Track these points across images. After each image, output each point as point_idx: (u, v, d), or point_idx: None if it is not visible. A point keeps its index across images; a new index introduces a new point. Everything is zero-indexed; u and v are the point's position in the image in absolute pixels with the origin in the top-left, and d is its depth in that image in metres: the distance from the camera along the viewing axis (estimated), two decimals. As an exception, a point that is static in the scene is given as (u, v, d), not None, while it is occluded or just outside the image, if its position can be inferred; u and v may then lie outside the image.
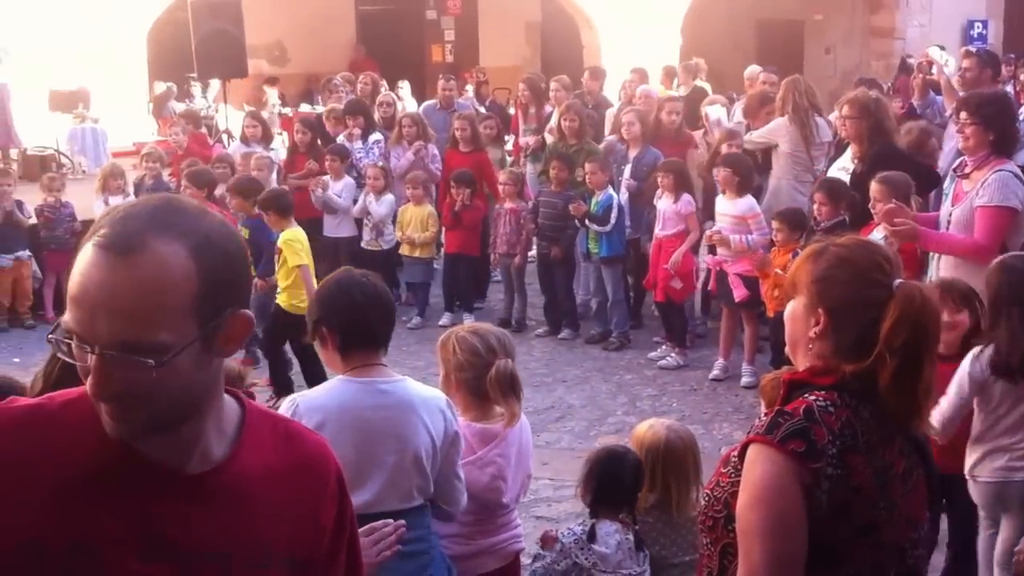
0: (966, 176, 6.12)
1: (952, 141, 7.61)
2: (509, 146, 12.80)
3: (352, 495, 3.56)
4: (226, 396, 1.93)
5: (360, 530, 2.82)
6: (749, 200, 8.70)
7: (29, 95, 16.44)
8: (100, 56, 16.73)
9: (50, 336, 1.80)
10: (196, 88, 18.90)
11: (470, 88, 18.37)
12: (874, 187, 6.72)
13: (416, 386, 3.79)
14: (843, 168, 8.07)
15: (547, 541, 4.26)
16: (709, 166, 9.60)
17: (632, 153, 10.23)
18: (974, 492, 4.98)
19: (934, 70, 10.75)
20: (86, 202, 11.14)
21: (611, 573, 4.12)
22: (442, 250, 11.21)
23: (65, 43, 16.44)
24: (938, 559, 4.98)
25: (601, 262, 9.80)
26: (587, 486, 4.32)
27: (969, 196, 6.03)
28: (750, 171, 8.84)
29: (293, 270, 8.42)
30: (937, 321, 2.51)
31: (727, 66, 18.08)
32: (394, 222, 10.82)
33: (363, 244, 10.93)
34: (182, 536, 1.82)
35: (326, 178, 11.00)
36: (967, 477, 4.96)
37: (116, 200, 10.33)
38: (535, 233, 10.31)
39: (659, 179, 9.38)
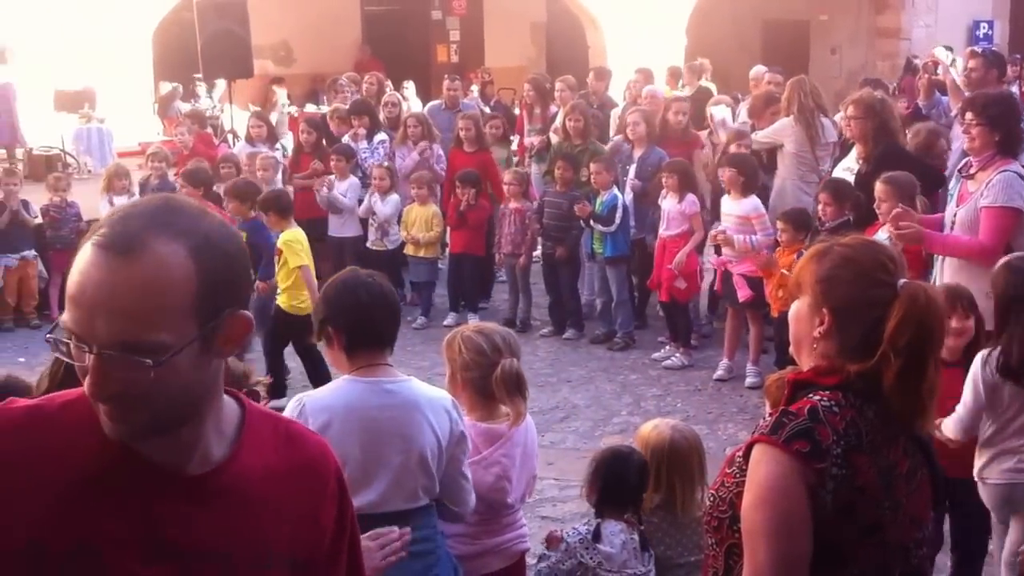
0: (971, 177, 6.11)
1: (959, 141, 7.60)
2: (514, 146, 12.79)
3: (358, 495, 3.60)
4: (226, 397, 1.92)
5: (367, 534, 2.83)
6: (754, 200, 8.69)
7: (35, 95, 16.48)
8: (106, 56, 16.75)
9: (48, 336, 1.79)
10: (201, 88, 18.92)
11: (475, 88, 18.35)
12: (879, 187, 6.72)
13: (422, 386, 3.80)
14: (848, 168, 8.08)
15: (552, 541, 4.26)
16: (718, 167, 9.60)
17: (637, 153, 10.23)
18: (984, 494, 4.98)
19: (939, 70, 10.75)
20: (92, 202, 11.14)
21: (616, 573, 4.12)
22: (447, 250, 11.22)
23: (71, 43, 16.47)
24: (942, 560, 4.96)
25: (606, 262, 9.80)
26: (592, 486, 4.33)
27: (974, 197, 6.02)
28: (755, 171, 8.83)
29: (294, 271, 8.43)
30: (941, 321, 2.51)
31: (732, 66, 18.07)
32: (399, 222, 10.83)
33: (368, 244, 10.94)
34: (183, 537, 1.82)
35: (331, 177, 11.01)
36: (976, 479, 4.96)
37: (121, 200, 10.33)
38: (540, 233, 10.31)
39: (663, 179, 9.39)
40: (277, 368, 8.52)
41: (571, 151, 10.41)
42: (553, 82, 12.77)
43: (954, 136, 8.47)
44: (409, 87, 18.29)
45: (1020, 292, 4.76)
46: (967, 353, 5.02)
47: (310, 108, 17.96)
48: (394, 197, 10.86)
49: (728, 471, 2.54)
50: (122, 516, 1.79)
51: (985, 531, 5.30)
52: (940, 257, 6.26)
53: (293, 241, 8.52)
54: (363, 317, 3.70)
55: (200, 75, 16.95)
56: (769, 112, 9.81)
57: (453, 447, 3.74)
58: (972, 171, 6.12)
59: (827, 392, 2.46)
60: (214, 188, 10.23)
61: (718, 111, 10.31)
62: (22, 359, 9.43)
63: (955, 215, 6.13)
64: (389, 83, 15.23)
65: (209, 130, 14.34)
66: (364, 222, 11.01)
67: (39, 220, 10.98)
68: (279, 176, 11.34)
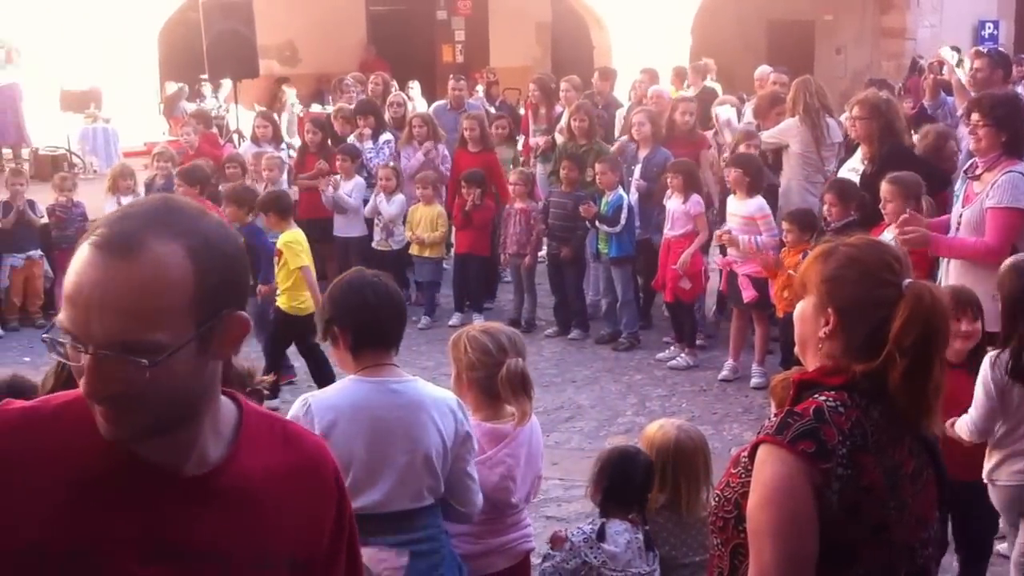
0: (977, 178, 6.11)
1: (966, 141, 7.59)
2: (519, 146, 12.80)
3: (363, 494, 3.62)
4: (223, 398, 1.91)
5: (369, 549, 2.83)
6: (759, 200, 8.68)
7: (41, 95, 16.51)
8: (112, 56, 16.79)
9: (45, 336, 1.79)
10: (207, 88, 18.94)
11: (480, 88, 18.38)
12: (884, 187, 6.72)
13: (427, 386, 3.81)
14: (853, 169, 8.07)
15: (557, 541, 4.26)
16: (725, 167, 9.59)
17: (642, 153, 10.22)
18: (994, 496, 4.98)
19: (945, 70, 10.73)
20: (97, 202, 11.16)
21: (620, 572, 4.13)
22: (452, 250, 11.23)
23: (77, 43, 16.50)
24: (947, 560, 4.96)
25: (611, 262, 9.80)
26: (597, 485, 4.33)
27: (979, 197, 6.02)
28: (760, 171, 8.82)
29: (294, 272, 8.44)
30: (947, 321, 2.50)
31: (737, 66, 18.07)
32: (404, 222, 10.84)
33: (374, 244, 10.95)
34: (182, 538, 1.81)
35: (337, 177, 11.03)
36: (986, 481, 4.95)
37: (127, 200, 10.35)
38: (545, 233, 10.32)
39: (668, 179, 9.39)
40: (276, 369, 8.53)
41: (576, 151, 10.41)
42: (558, 82, 12.77)
43: (961, 137, 8.46)
44: (414, 87, 18.30)
45: None
46: (972, 355, 5.02)
47: (315, 108, 17.97)
48: (399, 197, 10.87)
49: (733, 471, 2.54)
50: (120, 517, 1.78)
51: (991, 532, 5.31)
52: (946, 258, 6.25)
53: (293, 242, 8.53)
54: (369, 317, 3.71)
55: (206, 75, 16.96)
56: (774, 112, 9.80)
57: (458, 447, 3.75)
58: (978, 172, 6.11)
59: (832, 392, 2.45)
60: (220, 188, 10.25)
61: (723, 111, 10.30)
62: (27, 358, 9.45)
63: (961, 216, 6.12)
64: (394, 83, 15.22)
65: (214, 130, 14.34)
66: (369, 222, 11.02)
67: (45, 220, 11.01)
68: (284, 176, 11.35)
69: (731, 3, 21.58)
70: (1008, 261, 5.10)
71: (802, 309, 2.60)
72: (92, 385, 1.70)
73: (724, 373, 8.97)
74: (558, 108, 12.35)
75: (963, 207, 6.14)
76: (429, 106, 14.70)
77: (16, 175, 11.49)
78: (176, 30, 18.17)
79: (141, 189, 11.07)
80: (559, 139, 11.28)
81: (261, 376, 3.77)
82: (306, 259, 8.52)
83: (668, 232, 9.36)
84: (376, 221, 10.94)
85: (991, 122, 6.01)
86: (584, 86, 12.93)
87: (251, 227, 8.91)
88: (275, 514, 1.91)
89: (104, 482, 1.79)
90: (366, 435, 3.62)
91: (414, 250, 10.79)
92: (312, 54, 22.09)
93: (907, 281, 2.47)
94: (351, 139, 11.74)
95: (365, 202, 10.99)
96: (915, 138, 8.70)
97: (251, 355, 7.87)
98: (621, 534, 4.17)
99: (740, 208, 8.72)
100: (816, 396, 2.46)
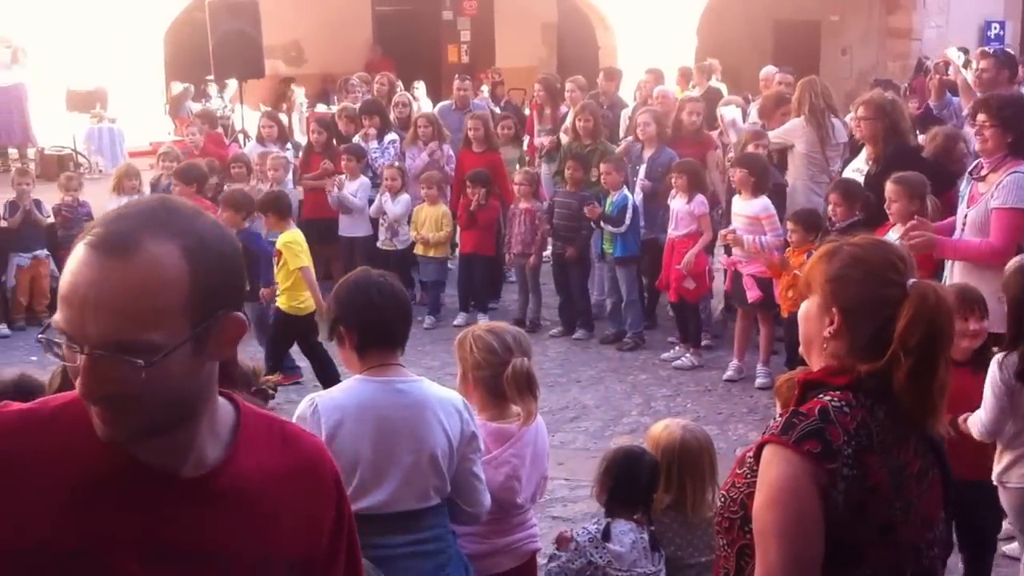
0: (982, 178, 6.10)
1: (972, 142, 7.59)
2: (524, 146, 12.80)
3: (369, 494, 3.63)
4: (220, 399, 1.91)
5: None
6: (764, 200, 8.68)
7: (47, 95, 16.52)
8: (117, 56, 16.80)
9: (40, 336, 1.78)
10: (213, 88, 18.96)
11: (485, 89, 18.36)
12: (889, 187, 6.72)
13: (433, 386, 3.81)
14: (857, 170, 8.06)
15: (562, 542, 4.27)
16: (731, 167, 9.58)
17: (647, 153, 10.23)
18: (1004, 498, 4.97)
19: (951, 70, 10.72)
20: (103, 201, 11.14)
21: (626, 572, 4.13)
22: (457, 250, 11.24)
23: (82, 43, 16.51)
24: (952, 561, 4.96)
25: (616, 262, 9.80)
26: (603, 485, 4.33)
27: (984, 198, 6.01)
28: (765, 171, 8.81)
29: (293, 272, 8.46)
30: (952, 320, 2.50)
31: (743, 67, 18.06)
32: (409, 222, 10.85)
33: (378, 244, 10.96)
34: (181, 540, 1.81)
35: (342, 177, 11.04)
36: (996, 483, 4.95)
37: (132, 200, 10.35)
38: (550, 233, 10.32)
39: (673, 179, 9.39)
40: (280, 370, 8.54)
41: (581, 151, 10.41)
42: (563, 82, 12.78)
43: (969, 138, 8.45)
44: (419, 87, 18.32)
45: None
46: (977, 353, 5.01)
47: (321, 108, 17.99)
48: (405, 197, 10.88)
49: (739, 472, 2.54)
50: (119, 519, 1.78)
51: (995, 530, 5.31)
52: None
53: (293, 243, 8.55)
54: (375, 317, 3.72)
55: (211, 75, 16.98)
56: (780, 112, 9.80)
57: (464, 447, 3.75)
58: (983, 173, 6.11)
59: (837, 392, 2.45)
60: (226, 187, 10.26)
61: (728, 111, 10.30)
62: (34, 357, 9.44)
63: (966, 216, 6.12)
64: (400, 83, 15.24)
65: (220, 130, 14.36)
66: (374, 222, 11.03)
67: (51, 220, 11.02)
68: (290, 176, 11.36)
69: (737, 3, 21.57)
70: (1013, 262, 5.08)
71: (806, 309, 2.60)
72: (87, 385, 1.70)
73: (729, 373, 8.97)
74: (563, 108, 12.36)
75: (968, 207, 6.13)
76: (434, 106, 14.70)
77: (22, 175, 11.51)
78: (182, 30, 18.18)
79: (146, 189, 11.08)
80: (564, 139, 11.29)
81: (266, 376, 3.79)
82: (306, 259, 8.54)
83: (672, 232, 9.36)
84: (381, 221, 10.95)
85: (997, 123, 6.01)
86: (589, 86, 12.94)
87: (248, 232, 8.93)
88: (274, 515, 1.90)
89: (102, 484, 1.78)
90: (372, 435, 3.63)
91: (419, 250, 10.80)
92: (318, 54, 22.11)
93: (911, 281, 2.47)
94: (356, 139, 11.75)
95: (370, 202, 11.01)
96: (921, 139, 8.69)
97: (256, 356, 7.89)
98: (626, 534, 4.18)
99: (745, 208, 8.71)
100: (821, 396, 2.46)
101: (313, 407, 3.64)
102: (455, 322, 10.38)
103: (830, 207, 7.78)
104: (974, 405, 4.85)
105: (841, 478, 2.36)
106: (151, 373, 1.68)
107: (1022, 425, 4.82)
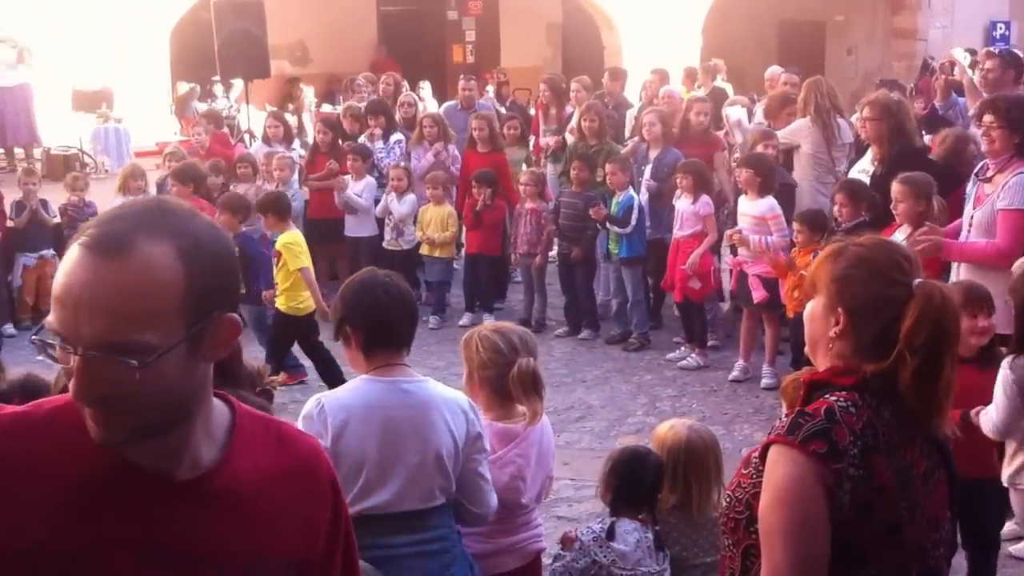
0: (988, 180, 6.10)
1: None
2: (530, 146, 12.81)
3: (374, 494, 3.64)
4: (215, 400, 1.90)
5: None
6: (770, 201, 8.67)
7: (53, 95, 16.55)
8: (123, 56, 16.83)
9: (34, 338, 1.79)
10: (218, 88, 18.98)
11: (491, 89, 18.38)
12: (896, 187, 6.71)
13: (438, 387, 3.82)
14: (862, 171, 8.06)
15: (567, 542, 4.28)
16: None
17: (653, 154, 10.23)
18: (1016, 500, 4.97)
19: (956, 71, 10.71)
20: (109, 201, 11.11)
21: (630, 571, 4.14)
22: (462, 250, 11.24)
23: (88, 43, 16.55)
24: (957, 561, 4.96)
25: (621, 263, 9.80)
26: (608, 485, 4.34)
27: (990, 199, 6.01)
28: (771, 172, 8.80)
29: (293, 273, 8.47)
30: (957, 320, 2.50)
31: (748, 67, 18.06)
32: (414, 222, 10.86)
33: (384, 244, 10.97)
34: (177, 542, 1.80)
35: (346, 178, 11.05)
36: (1007, 486, 4.95)
37: (138, 200, 10.35)
38: (556, 234, 10.32)
39: (678, 180, 9.38)
40: (282, 370, 8.56)
41: (586, 151, 10.41)
42: (569, 82, 12.78)
43: (976, 138, 8.44)
44: (425, 87, 18.31)
45: None
46: (983, 350, 5.01)
47: (326, 108, 18.00)
48: (411, 197, 10.88)
49: (744, 472, 2.54)
50: (114, 521, 1.77)
51: (999, 527, 5.31)
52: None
53: (292, 243, 8.56)
54: (381, 317, 3.72)
55: (217, 75, 17.00)
56: (785, 113, 9.80)
57: (469, 447, 3.76)
58: (989, 174, 6.11)
59: (843, 392, 2.45)
60: (231, 187, 10.26)
61: (733, 112, 10.29)
62: (41, 357, 9.45)
63: (972, 218, 6.12)
64: (405, 83, 15.24)
65: (226, 130, 14.38)
66: (380, 222, 11.04)
67: (58, 220, 11.04)
68: (295, 176, 11.37)
69: (742, 3, 21.56)
70: (1020, 265, 5.09)
71: (812, 309, 2.60)
72: (81, 387, 1.69)
73: (735, 374, 8.97)
74: (568, 108, 12.35)
75: (974, 209, 6.13)
76: (440, 106, 14.71)
77: (29, 175, 11.53)
78: (187, 30, 18.21)
79: (152, 189, 11.10)
80: (570, 139, 11.28)
81: (271, 376, 3.80)
82: (305, 260, 8.55)
83: (677, 232, 9.36)
84: (387, 220, 10.95)
85: (1005, 124, 6.00)
86: (594, 86, 12.93)
87: (244, 235, 8.95)
88: (270, 516, 1.89)
89: (97, 486, 1.77)
90: (378, 435, 3.64)
91: (424, 250, 10.81)
92: (323, 54, 22.13)
93: (917, 280, 2.46)
94: (362, 139, 11.76)
95: (376, 202, 11.02)
96: (927, 139, 8.68)
97: (256, 357, 7.89)
98: (631, 533, 4.18)
99: (751, 208, 8.70)
100: (827, 396, 2.46)
101: (320, 407, 3.65)
102: (460, 322, 10.39)
103: (836, 207, 7.78)
104: (981, 401, 4.85)
105: (847, 478, 2.36)
106: (145, 374, 1.67)
107: None
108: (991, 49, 11.13)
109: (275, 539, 1.90)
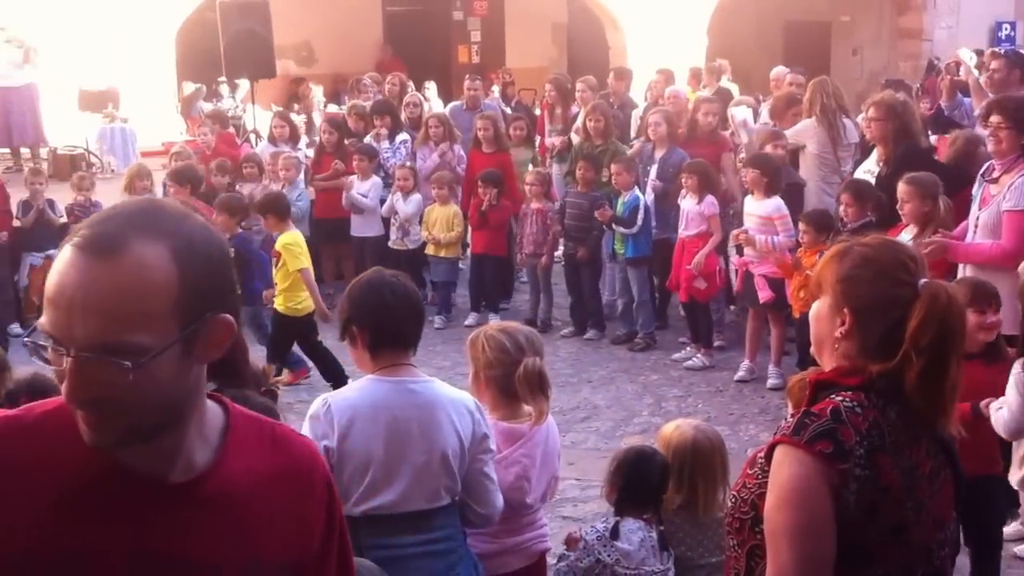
0: (994, 180, 6.10)
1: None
2: (537, 147, 12.81)
3: (380, 494, 3.64)
4: (209, 402, 1.89)
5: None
6: (776, 201, 8.66)
7: (59, 95, 16.55)
8: (129, 56, 16.84)
9: (26, 340, 1.76)
10: (224, 88, 18.99)
11: (496, 89, 18.39)
12: (902, 188, 6.71)
13: (444, 387, 3.82)
14: (868, 171, 8.05)
15: (571, 542, 4.28)
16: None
17: (658, 154, 10.23)
18: None
19: (962, 71, 10.70)
20: (115, 201, 11.18)
21: (634, 570, 4.14)
22: (468, 250, 11.25)
23: (94, 43, 16.55)
24: (960, 560, 4.96)
25: (627, 263, 9.81)
26: (613, 485, 4.34)
27: (996, 200, 6.01)
28: (777, 172, 8.80)
29: (292, 273, 8.48)
30: (963, 320, 2.50)
31: (754, 67, 18.03)
32: (420, 222, 10.86)
33: (390, 243, 10.98)
34: (169, 546, 1.79)
35: (352, 178, 11.06)
36: (1017, 488, 4.95)
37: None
38: (561, 234, 10.33)
39: (683, 180, 9.38)
40: (284, 369, 8.56)
41: (592, 151, 10.42)
42: (574, 82, 12.77)
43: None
44: (430, 87, 18.33)
45: None
46: (989, 346, 5.01)
47: (332, 108, 18.01)
48: (416, 197, 10.89)
49: (750, 472, 2.54)
50: (107, 526, 1.76)
51: (1002, 525, 5.31)
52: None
53: (292, 244, 8.58)
54: (387, 317, 3.72)
55: (223, 75, 17.00)
56: (791, 113, 9.79)
57: (475, 447, 3.76)
58: (995, 175, 6.10)
59: (849, 392, 2.45)
60: (237, 187, 10.27)
61: (739, 112, 10.29)
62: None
63: (978, 218, 6.12)
64: (411, 83, 15.25)
65: (231, 130, 14.39)
66: (386, 221, 11.05)
67: (64, 219, 11.05)
68: (301, 176, 11.38)
69: (748, 4, 21.54)
70: (1025, 268, 5.09)
71: (818, 309, 2.60)
72: (74, 388, 1.67)
73: (740, 374, 8.97)
74: (574, 108, 12.35)
75: (980, 209, 6.13)
76: (445, 106, 14.72)
77: (35, 174, 11.55)
78: (193, 30, 18.21)
79: (158, 189, 11.10)
80: (575, 139, 11.28)
81: (275, 377, 3.80)
82: (305, 261, 8.57)
83: (682, 232, 9.36)
84: (392, 220, 10.97)
85: (1012, 124, 6.00)
86: (600, 86, 12.93)
87: (241, 236, 8.96)
88: (264, 518, 1.88)
89: (90, 491, 1.76)
90: (384, 435, 3.64)
91: (430, 250, 10.81)
92: (328, 54, 22.13)
93: (923, 280, 2.46)
94: (368, 139, 11.77)
95: (382, 201, 11.02)
96: (933, 140, 8.68)
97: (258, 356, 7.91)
98: (635, 532, 4.18)
99: (757, 208, 8.70)
100: (833, 396, 2.46)
101: (326, 407, 3.65)
102: (466, 322, 10.40)
103: (842, 208, 7.77)
104: (987, 396, 4.85)
105: (853, 478, 2.36)
106: (138, 375, 1.66)
107: None
108: (997, 49, 11.13)
109: (269, 541, 1.88)
